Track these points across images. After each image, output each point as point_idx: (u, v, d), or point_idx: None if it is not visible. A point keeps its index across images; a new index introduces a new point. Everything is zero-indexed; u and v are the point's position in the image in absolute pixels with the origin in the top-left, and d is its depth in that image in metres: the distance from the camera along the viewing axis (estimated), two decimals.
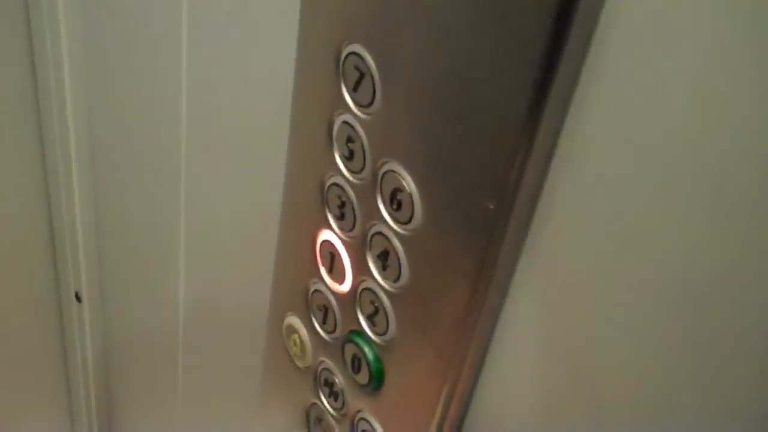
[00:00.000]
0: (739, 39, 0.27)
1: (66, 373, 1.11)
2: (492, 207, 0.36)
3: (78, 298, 0.96)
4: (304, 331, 0.52)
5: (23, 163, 0.89)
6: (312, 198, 0.47)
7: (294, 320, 0.52)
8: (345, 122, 0.42)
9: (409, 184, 0.39)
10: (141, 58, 0.66)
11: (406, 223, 0.40)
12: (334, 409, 0.51)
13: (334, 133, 0.43)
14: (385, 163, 0.41)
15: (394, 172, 0.40)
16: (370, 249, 0.44)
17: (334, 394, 0.51)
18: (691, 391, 0.33)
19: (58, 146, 0.83)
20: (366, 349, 0.46)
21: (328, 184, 0.45)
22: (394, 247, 0.42)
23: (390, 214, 0.41)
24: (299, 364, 0.53)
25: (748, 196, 0.29)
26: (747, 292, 0.30)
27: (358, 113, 0.41)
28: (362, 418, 0.48)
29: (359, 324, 0.46)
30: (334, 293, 0.48)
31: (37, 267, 0.99)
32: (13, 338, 1.03)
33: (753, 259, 0.29)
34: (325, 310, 0.49)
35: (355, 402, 0.49)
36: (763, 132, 0.28)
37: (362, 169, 0.42)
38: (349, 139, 0.42)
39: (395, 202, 0.41)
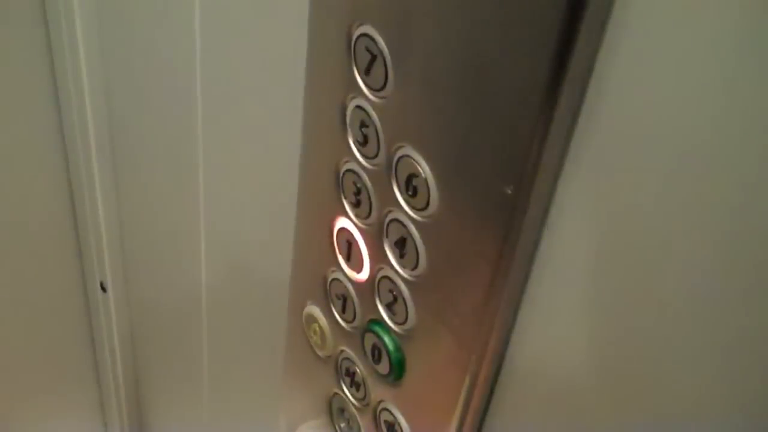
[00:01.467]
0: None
1: (95, 362, 1.11)
2: (510, 192, 0.35)
3: (103, 288, 0.96)
4: (323, 321, 0.51)
5: (45, 156, 0.89)
6: (327, 185, 0.46)
7: (314, 309, 0.51)
8: (358, 106, 0.41)
9: (424, 169, 0.38)
10: (155, 43, 0.65)
11: (422, 210, 0.39)
12: (356, 399, 0.50)
13: (348, 118, 0.42)
14: (400, 147, 0.39)
15: (408, 157, 0.39)
16: (387, 236, 0.42)
17: (355, 384, 0.50)
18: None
19: (79, 139, 0.83)
20: (386, 339, 0.45)
21: (343, 170, 0.44)
22: (411, 234, 0.41)
23: (406, 201, 0.40)
24: (320, 353, 0.52)
25: None
26: None
27: (371, 97, 0.40)
28: (384, 408, 0.48)
29: (378, 313, 0.45)
30: (352, 282, 0.47)
31: (62, 259, 0.99)
32: (41, 331, 1.03)
33: None
34: (344, 299, 0.48)
35: (377, 392, 0.48)
36: None
37: (377, 154, 0.41)
38: (363, 124, 0.41)
39: (411, 188, 0.39)
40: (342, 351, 0.50)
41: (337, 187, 0.45)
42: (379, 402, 0.48)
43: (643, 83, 0.30)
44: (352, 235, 0.45)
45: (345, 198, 0.45)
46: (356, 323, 0.48)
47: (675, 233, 0.31)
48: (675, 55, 0.29)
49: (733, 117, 0.28)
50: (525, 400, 0.41)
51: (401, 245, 0.42)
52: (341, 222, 0.46)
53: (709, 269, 0.30)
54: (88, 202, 0.89)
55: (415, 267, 0.41)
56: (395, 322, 0.44)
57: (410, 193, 0.40)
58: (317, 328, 0.51)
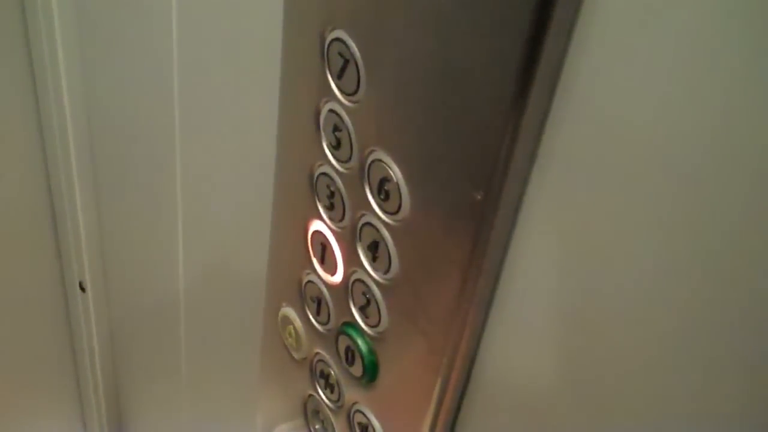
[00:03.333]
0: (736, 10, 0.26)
1: (74, 362, 1.11)
2: (479, 197, 0.35)
3: (82, 288, 0.96)
4: (298, 323, 0.51)
5: (23, 157, 0.88)
6: (302, 188, 0.46)
7: (289, 311, 0.52)
8: (331, 110, 0.41)
9: (396, 173, 0.38)
10: (132, 45, 0.65)
11: (394, 214, 0.40)
12: (330, 400, 0.50)
13: (321, 122, 0.43)
14: (372, 152, 0.40)
15: (381, 161, 0.39)
16: (360, 239, 0.43)
17: (329, 386, 0.50)
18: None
19: (58, 139, 0.83)
20: (359, 342, 0.45)
21: (317, 173, 0.44)
22: (383, 238, 0.41)
23: (378, 205, 0.40)
24: (295, 355, 0.53)
25: None
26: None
27: (344, 101, 0.40)
28: (358, 410, 0.48)
29: (352, 316, 0.45)
30: (326, 284, 0.47)
31: (41, 259, 0.98)
32: (20, 331, 1.03)
33: None
34: (319, 301, 0.48)
35: (351, 394, 0.48)
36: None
37: (350, 158, 0.41)
38: (336, 128, 0.41)
39: (383, 191, 0.40)
40: (317, 353, 0.50)
41: (311, 190, 0.45)
42: (353, 404, 0.48)
43: (610, 86, 0.30)
44: (326, 237, 0.45)
45: (319, 201, 0.45)
46: (330, 325, 0.48)
47: (641, 236, 0.31)
48: (642, 58, 0.29)
49: (700, 116, 0.28)
50: (496, 401, 0.41)
51: (374, 248, 0.42)
52: (315, 225, 0.46)
53: (676, 271, 0.31)
54: (67, 203, 0.89)
55: (388, 270, 0.41)
56: (368, 325, 0.44)
57: (382, 197, 0.40)
58: (292, 331, 0.51)
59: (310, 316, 0.49)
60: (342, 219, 0.44)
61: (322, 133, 0.43)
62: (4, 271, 0.96)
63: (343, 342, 0.47)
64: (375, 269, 0.42)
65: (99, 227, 0.90)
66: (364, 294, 0.44)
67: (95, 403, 1.10)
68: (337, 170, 0.43)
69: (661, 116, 0.29)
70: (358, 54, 0.38)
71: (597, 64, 0.31)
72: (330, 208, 0.44)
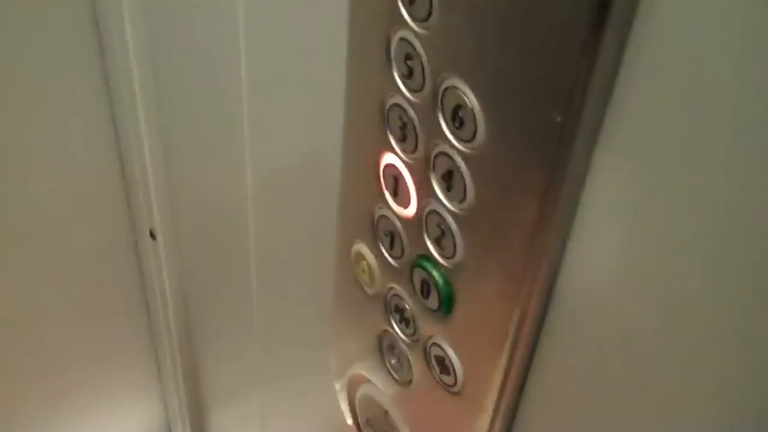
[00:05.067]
0: None
1: (147, 309, 1.13)
2: (558, 119, 0.34)
3: (152, 236, 0.97)
4: (372, 258, 0.51)
5: (90, 108, 0.89)
6: (373, 120, 0.45)
7: (362, 247, 0.51)
8: (402, 38, 0.41)
9: (470, 99, 0.38)
10: None
11: (469, 141, 0.39)
12: (405, 335, 0.50)
13: (392, 51, 0.42)
14: (446, 79, 0.39)
15: (455, 88, 0.38)
16: (434, 170, 0.42)
17: (405, 320, 0.50)
18: None
19: (124, 87, 0.84)
20: (434, 274, 0.45)
21: (388, 104, 0.44)
22: (458, 167, 0.40)
23: (452, 133, 0.40)
24: (369, 291, 0.53)
25: None
26: None
27: (416, 28, 0.40)
28: (434, 343, 0.48)
29: (426, 248, 0.45)
30: (399, 218, 0.47)
31: (111, 208, 1.00)
32: (93, 281, 1.05)
33: None
34: (392, 235, 0.48)
35: (427, 327, 0.48)
36: None
37: (422, 87, 0.41)
38: (408, 57, 0.41)
39: (457, 119, 0.39)
40: (391, 288, 0.50)
41: (383, 121, 0.45)
42: (429, 337, 0.48)
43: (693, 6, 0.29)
44: (398, 170, 0.45)
45: (391, 133, 0.44)
46: (404, 259, 0.48)
47: (733, 161, 0.30)
48: None
49: None
50: (575, 330, 0.41)
51: (448, 178, 0.41)
52: (387, 157, 0.45)
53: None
54: (135, 151, 0.90)
55: (463, 200, 0.41)
56: (443, 257, 0.44)
57: (456, 124, 0.39)
58: (366, 266, 0.51)
59: (384, 251, 0.49)
60: (415, 150, 0.43)
61: (393, 63, 0.42)
62: (75, 222, 0.98)
63: (418, 275, 0.46)
64: (450, 199, 0.42)
65: (167, 174, 0.90)
66: (438, 225, 0.43)
67: (169, 349, 1.12)
68: (409, 100, 0.42)
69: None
70: None
71: None
72: (402, 139, 0.44)
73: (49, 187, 0.93)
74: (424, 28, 0.39)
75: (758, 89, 0.28)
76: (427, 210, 0.44)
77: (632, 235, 0.36)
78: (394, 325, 0.51)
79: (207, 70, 0.70)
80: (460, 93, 0.38)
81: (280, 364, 0.82)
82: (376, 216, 0.49)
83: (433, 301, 0.46)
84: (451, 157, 0.40)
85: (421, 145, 0.42)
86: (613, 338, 0.39)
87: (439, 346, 0.47)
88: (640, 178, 0.34)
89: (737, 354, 0.33)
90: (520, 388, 0.45)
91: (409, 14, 0.40)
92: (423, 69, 0.40)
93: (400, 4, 0.40)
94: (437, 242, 0.44)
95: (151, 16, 0.75)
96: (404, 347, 0.51)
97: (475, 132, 0.38)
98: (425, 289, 0.46)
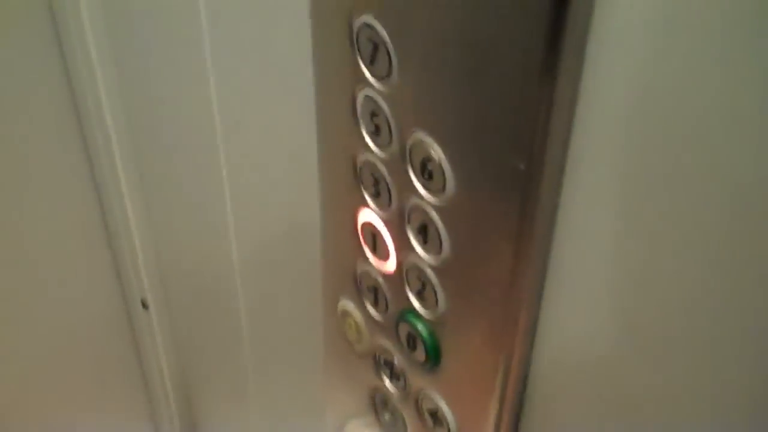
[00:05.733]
0: None
1: (143, 377, 1.12)
2: (523, 167, 0.34)
3: (144, 306, 0.97)
4: (358, 315, 0.51)
5: (74, 179, 0.90)
6: (347, 178, 0.46)
7: (347, 304, 0.52)
8: (367, 96, 0.41)
9: (437, 152, 0.38)
10: (165, 52, 0.66)
11: (439, 193, 0.39)
12: (396, 389, 0.50)
13: (358, 109, 0.42)
14: (412, 133, 0.39)
15: (421, 141, 0.39)
16: (409, 223, 0.42)
17: (395, 375, 0.50)
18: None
19: (106, 159, 0.84)
20: (419, 326, 0.45)
21: (360, 161, 0.44)
22: (431, 219, 0.40)
23: (423, 186, 0.40)
24: (358, 348, 0.53)
25: None
26: None
27: (378, 86, 0.40)
28: (426, 396, 0.48)
29: (409, 302, 0.45)
30: (380, 273, 0.47)
31: (100, 279, 1.00)
32: (87, 353, 1.04)
33: None
34: (375, 290, 0.48)
35: (416, 380, 0.48)
36: None
37: (390, 142, 0.41)
38: (374, 114, 0.41)
39: (426, 172, 0.39)
40: (378, 343, 0.50)
41: (356, 179, 0.45)
42: (420, 390, 0.48)
43: (641, 39, 0.30)
44: (375, 226, 0.45)
45: (365, 189, 0.45)
46: (389, 314, 0.48)
47: (693, 194, 0.31)
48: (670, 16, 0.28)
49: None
50: (561, 372, 0.41)
51: (424, 231, 0.41)
52: (364, 214, 0.46)
53: (740, 233, 0.30)
54: (120, 222, 0.90)
55: (440, 252, 0.41)
56: (426, 309, 0.44)
57: (426, 177, 0.39)
58: (352, 323, 0.51)
59: (369, 307, 0.49)
60: (389, 205, 0.43)
61: (361, 121, 0.43)
62: (66, 295, 0.98)
63: (403, 329, 0.46)
64: (427, 252, 0.42)
65: (155, 243, 0.90)
66: (419, 278, 0.43)
67: (167, 414, 1.12)
68: (379, 156, 0.42)
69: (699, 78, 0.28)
70: (387, 37, 0.38)
71: (623, 25, 0.30)
72: (376, 195, 0.44)
73: (36, 262, 0.93)
74: (386, 86, 0.40)
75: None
76: (406, 264, 0.44)
77: (609, 274, 0.36)
78: (386, 381, 0.51)
79: (186, 145, 0.70)
80: (427, 146, 0.38)
81: (276, 425, 0.82)
82: (359, 272, 0.49)
83: (420, 354, 0.46)
84: (424, 210, 0.41)
85: (394, 200, 0.43)
86: (596, 377, 0.39)
87: (430, 398, 0.47)
88: (608, 217, 0.34)
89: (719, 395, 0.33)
90: None
91: (371, 73, 0.40)
92: (389, 125, 0.41)
93: (361, 63, 0.40)
94: (419, 295, 0.44)
95: (125, 84, 0.76)
96: (396, 402, 0.51)
97: (444, 184, 0.38)
98: (411, 342, 0.46)
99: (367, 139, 0.43)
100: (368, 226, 0.46)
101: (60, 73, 0.81)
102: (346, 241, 0.49)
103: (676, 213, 0.31)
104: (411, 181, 0.41)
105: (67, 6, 0.73)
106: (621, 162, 0.33)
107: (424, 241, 0.42)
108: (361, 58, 0.40)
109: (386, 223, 0.44)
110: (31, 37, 0.78)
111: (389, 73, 0.39)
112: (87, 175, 0.90)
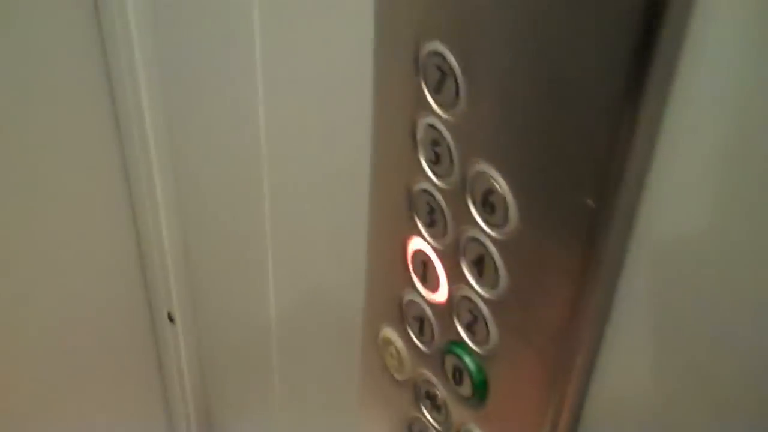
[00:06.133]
0: None
1: (165, 393, 1.12)
2: (592, 204, 0.34)
3: (171, 319, 0.96)
4: (400, 343, 0.50)
5: (108, 187, 0.89)
6: (399, 205, 0.45)
7: (389, 332, 0.51)
8: (429, 125, 0.40)
9: (501, 185, 0.37)
10: (216, 69, 0.65)
11: (500, 227, 0.38)
12: (437, 422, 0.49)
13: (419, 137, 0.42)
14: (475, 164, 0.38)
15: (484, 173, 0.38)
16: (465, 255, 0.42)
17: (436, 408, 0.49)
18: None
19: (142, 167, 0.84)
20: (467, 360, 0.44)
21: (415, 190, 0.43)
22: (489, 253, 0.40)
23: (483, 218, 0.39)
24: (398, 376, 0.52)
25: None
26: None
27: (443, 115, 0.39)
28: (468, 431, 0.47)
29: (458, 334, 0.44)
30: (429, 303, 0.46)
31: (128, 290, 0.99)
32: (110, 364, 1.04)
33: None
34: (421, 320, 0.47)
35: (460, 415, 0.47)
36: None
37: (450, 172, 0.40)
38: (435, 143, 0.41)
39: (488, 204, 0.38)
40: (421, 374, 0.49)
41: (410, 207, 0.44)
42: (462, 425, 0.47)
43: (729, 82, 0.29)
44: (427, 255, 0.44)
45: (419, 218, 0.44)
46: (435, 345, 0.47)
47: None
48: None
49: None
50: (615, 420, 0.40)
51: (479, 264, 0.41)
52: (415, 242, 0.45)
53: None
54: (152, 232, 0.89)
55: (495, 286, 0.40)
56: (476, 343, 0.43)
57: (487, 210, 0.39)
58: (394, 351, 0.50)
59: (413, 336, 0.48)
60: (444, 235, 0.42)
61: (420, 149, 0.42)
62: (92, 303, 0.97)
63: (449, 361, 0.45)
64: (481, 285, 0.41)
65: (185, 256, 0.90)
66: (470, 311, 0.42)
67: (186, 430, 1.11)
68: (437, 185, 0.42)
69: None
70: (456, 66, 0.37)
71: (713, 61, 0.29)
72: (431, 224, 0.43)
73: (66, 268, 0.93)
74: (451, 115, 0.39)
75: None
76: (458, 296, 0.43)
77: (672, 321, 0.35)
78: (425, 412, 0.50)
79: (226, 160, 0.70)
80: (490, 178, 0.38)
81: None
82: (405, 301, 0.48)
83: (466, 389, 0.45)
84: (482, 243, 0.40)
85: (450, 231, 0.42)
86: (654, 426, 0.38)
87: None
88: (679, 262, 0.33)
89: None
90: None
91: (436, 101, 0.39)
92: (451, 155, 0.40)
93: (426, 91, 0.40)
94: (469, 328, 0.43)
95: (173, 115, 0.76)
96: None
97: (506, 218, 0.38)
98: (458, 375, 0.45)
99: (426, 168, 0.42)
100: (419, 255, 0.45)
101: (105, 93, 0.81)
102: (393, 268, 0.48)
103: (754, 271, 0.31)
104: (470, 213, 0.40)
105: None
106: (698, 211, 0.32)
107: (479, 274, 0.41)
108: (426, 86, 0.40)
109: (439, 253, 0.44)
110: (74, 36, 0.78)
111: (455, 103, 0.38)
112: (122, 186, 0.89)
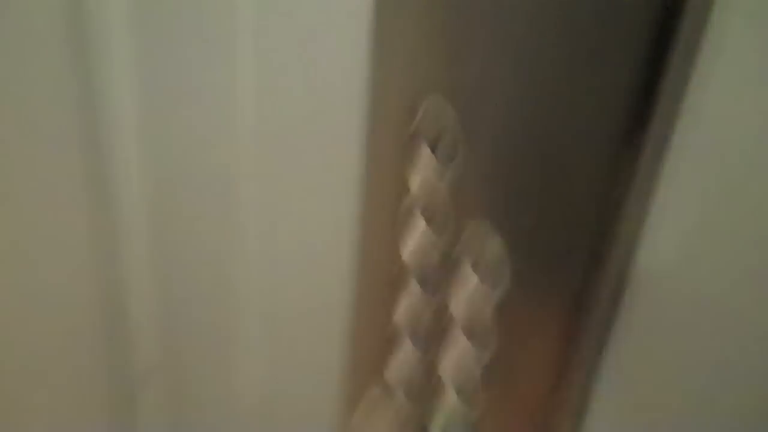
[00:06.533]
0: None
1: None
2: (582, 271, 0.33)
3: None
4: (387, 404, 0.49)
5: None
6: (389, 261, 0.44)
7: (375, 393, 0.49)
8: (424, 180, 0.40)
9: (495, 243, 0.37)
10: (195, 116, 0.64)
11: (493, 287, 0.38)
12: None
13: (413, 193, 0.41)
14: (469, 223, 0.38)
15: (479, 232, 0.37)
16: (455, 316, 0.41)
17: None
18: None
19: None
20: (455, 423, 0.43)
21: (407, 250, 0.42)
22: (480, 313, 0.39)
23: (476, 277, 0.38)
24: None
25: None
26: None
27: (438, 171, 0.39)
28: None
29: (446, 396, 0.43)
30: (417, 363, 0.45)
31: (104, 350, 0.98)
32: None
33: None
34: (410, 381, 0.46)
35: None
36: None
37: (443, 231, 0.40)
38: (429, 200, 0.40)
39: (482, 264, 0.38)
40: None
41: (399, 264, 0.43)
42: None
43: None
44: (416, 314, 0.44)
45: (409, 276, 0.43)
46: (422, 406, 0.46)
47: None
48: None
49: None
50: None
51: (470, 325, 0.40)
52: (405, 301, 0.44)
53: None
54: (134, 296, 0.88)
55: (486, 348, 0.39)
56: (465, 405, 0.42)
57: (480, 270, 0.38)
58: (380, 413, 0.49)
59: (400, 396, 0.47)
60: (434, 295, 0.42)
61: (414, 208, 0.41)
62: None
63: (437, 422, 0.44)
64: (474, 344, 0.40)
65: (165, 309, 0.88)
66: (461, 372, 0.41)
67: None
68: (430, 244, 0.41)
69: None
70: (454, 122, 0.37)
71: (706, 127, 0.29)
72: (422, 283, 0.42)
73: (38, 329, 0.91)
74: (447, 171, 0.38)
75: None
76: (447, 357, 0.42)
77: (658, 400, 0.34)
78: None
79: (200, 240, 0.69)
80: (485, 237, 0.37)
81: None
82: (393, 361, 0.47)
83: None
84: (474, 303, 0.39)
85: (442, 290, 0.41)
86: None
87: None
88: (666, 340, 0.33)
89: None
90: None
91: (433, 157, 0.39)
92: (445, 213, 0.39)
93: (422, 146, 0.39)
94: (459, 391, 0.42)
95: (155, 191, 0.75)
96: None
97: (499, 277, 0.37)
98: None
99: (419, 226, 0.41)
100: (408, 315, 0.44)
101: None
102: (380, 328, 0.47)
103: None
104: (463, 272, 0.39)
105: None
106: (687, 289, 0.31)
107: (470, 336, 0.40)
108: (423, 141, 0.39)
109: (429, 313, 0.43)
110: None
111: (452, 159, 0.37)
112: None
